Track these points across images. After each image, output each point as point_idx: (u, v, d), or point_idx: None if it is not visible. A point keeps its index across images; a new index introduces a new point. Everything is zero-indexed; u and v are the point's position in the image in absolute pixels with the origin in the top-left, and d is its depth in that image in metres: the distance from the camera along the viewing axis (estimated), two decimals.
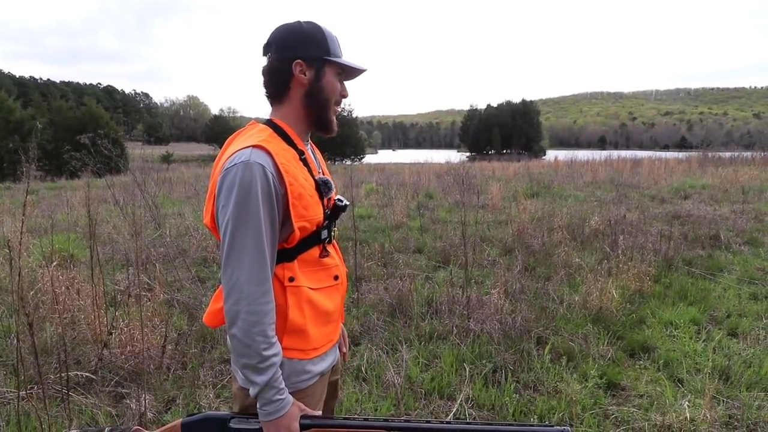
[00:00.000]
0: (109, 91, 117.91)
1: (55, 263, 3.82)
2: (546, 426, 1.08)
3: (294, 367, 1.11)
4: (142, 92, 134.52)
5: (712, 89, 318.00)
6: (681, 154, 25.49)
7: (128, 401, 2.50)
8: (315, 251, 1.14)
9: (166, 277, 4.37)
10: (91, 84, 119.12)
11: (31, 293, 3.54)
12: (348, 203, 1.22)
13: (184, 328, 3.34)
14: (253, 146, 1.04)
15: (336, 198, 1.20)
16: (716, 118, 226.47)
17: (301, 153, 1.13)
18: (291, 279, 1.09)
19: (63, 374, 2.42)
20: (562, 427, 1.05)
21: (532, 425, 1.11)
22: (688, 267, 4.93)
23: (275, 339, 1.04)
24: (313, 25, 1.15)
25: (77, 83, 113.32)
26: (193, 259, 5.19)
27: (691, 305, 3.94)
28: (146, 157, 9.31)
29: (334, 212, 1.18)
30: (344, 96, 1.21)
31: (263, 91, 1.19)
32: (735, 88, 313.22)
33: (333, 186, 1.17)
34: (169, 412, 2.49)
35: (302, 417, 1.07)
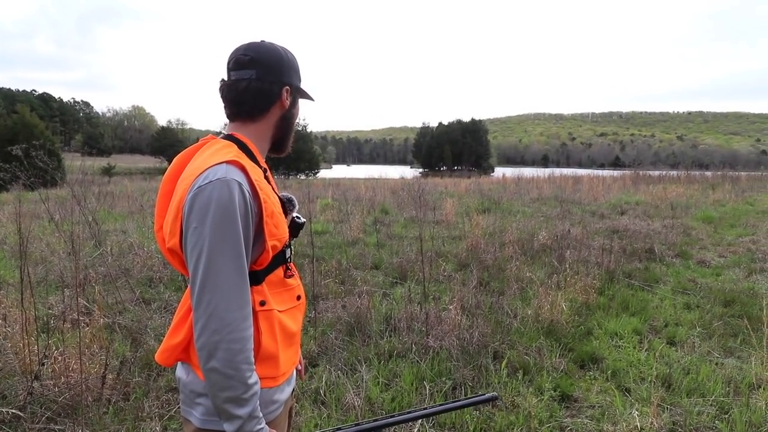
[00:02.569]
0: (45, 98, 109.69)
1: None
2: (479, 395, 1.24)
3: (263, 398, 1.05)
4: (82, 101, 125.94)
5: (641, 113, 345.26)
6: (616, 172, 27.39)
7: None
8: (280, 272, 1.11)
9: (106, 299, 4.07)
10: (24, 90, 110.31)
11: None
12: (305, 220, 1.22)
13: (126, 355, 3.11)
14: (228, 162, 0.99)
15: (294, 215, 1.18)
16: (645, 140, 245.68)
17: (264, 170, 1.12)
18: (262, 303, 1.04)
19: None
20: (492, 393, 1.24)
21: (468, 398, 1.24)
22: (628, 279, 5.24)
23: (254, 365, 0.99)
24: (291, 54, 1.19)
25: (9, 89, 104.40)
26: (137, 279, 4.88)
27: (632, 316, 4.18)
28: (85, 170, 8.70)
29: (293, 230, 1.17)
30: None
31: (233, 107, 1.13)
32: (660, 112, 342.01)
33: (296, 202, 1.18)
34: None
35: None
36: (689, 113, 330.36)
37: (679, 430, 2.50)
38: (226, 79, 1.13)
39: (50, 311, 3.74)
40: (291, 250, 1.17)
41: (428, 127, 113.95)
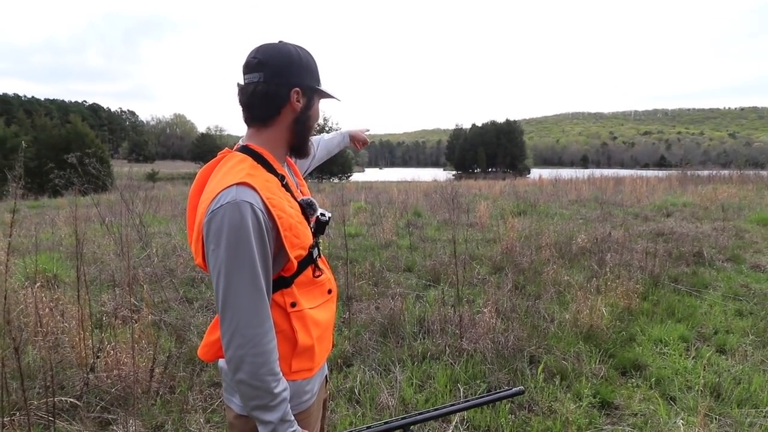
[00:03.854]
0: (95, 108, 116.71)
1: (38, 284, 3.73)
2: (505, 390, 1.26)
3: (297, 389, 1.11)
4: (128, 110, 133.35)
5: (689, 110, 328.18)
6: (661, 173, 26.13)
7: (115, 428, 2.43)
8: (309, 272, 1.14)
9: (153, 297, 4.28)
10: (76, 102, 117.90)
11: (13, 315, 3.44)
12: (330, 215, 1.22)
13: (172, 351, 3.26)
14: (238, 184, 1.00)
15: (318, 214, 1.19)
16: (693, 138, 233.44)
17: (282, 178, 1.12)
18: (293, 305, 1.09)
19: (48, 400, 2.34)
20: (518, 388, 1.24)
21: (495, 392, 1.25)
22: (674, 284, 5.01)
23: (281, 374, 1.04)
24: (306, 53, 1.16)
25: (62, 101, 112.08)
26: (180, 279, 5.11)
27: (679, 322, 4.00)
28: (132, 176, 9.20)
29: (318, 228, 1.19)
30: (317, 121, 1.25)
31: (246, 111, 1.13)
32: (710, 108, 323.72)
33: (317, 205, 1.17)
34: None
35: None
36: (742, 109, 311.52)
37: None
38: (241, 83, 1.12)
39: (103, 308, 3.98)
40: (318, 249, 1.18)
41: (461, 128, 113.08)
